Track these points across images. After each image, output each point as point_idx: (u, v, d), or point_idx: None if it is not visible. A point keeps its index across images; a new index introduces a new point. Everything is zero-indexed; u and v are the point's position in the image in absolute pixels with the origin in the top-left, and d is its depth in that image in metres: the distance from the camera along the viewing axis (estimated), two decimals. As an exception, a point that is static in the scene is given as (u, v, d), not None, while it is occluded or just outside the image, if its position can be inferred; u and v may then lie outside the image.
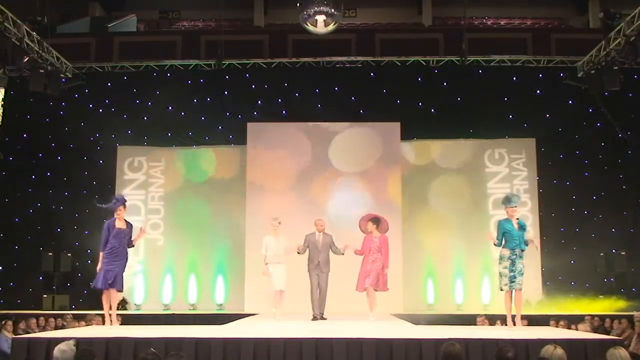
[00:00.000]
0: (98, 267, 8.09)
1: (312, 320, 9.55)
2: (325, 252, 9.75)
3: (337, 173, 13.96)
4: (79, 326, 10.66)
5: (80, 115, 14.12)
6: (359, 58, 13.93)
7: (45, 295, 13.27)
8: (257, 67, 14.02)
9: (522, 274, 7.84)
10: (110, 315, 8.18)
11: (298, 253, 9.81)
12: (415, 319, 10.46)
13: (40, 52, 12.12)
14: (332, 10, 9.94)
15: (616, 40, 11.66)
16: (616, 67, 12.01)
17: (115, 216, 8.16)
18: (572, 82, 13.41)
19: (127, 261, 8.27)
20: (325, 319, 9.63)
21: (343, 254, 9.75)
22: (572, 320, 11.21)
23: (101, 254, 8.11)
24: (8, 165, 14.14)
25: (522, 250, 7.83)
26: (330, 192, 13.87)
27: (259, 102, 14.43)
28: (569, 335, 7.54)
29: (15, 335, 9.08)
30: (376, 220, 9.67)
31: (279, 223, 9.72)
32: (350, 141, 14.05)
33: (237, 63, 13.90)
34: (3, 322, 9.88)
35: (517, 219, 7.94)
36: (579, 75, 13.31)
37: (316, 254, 9.72)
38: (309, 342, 6.46)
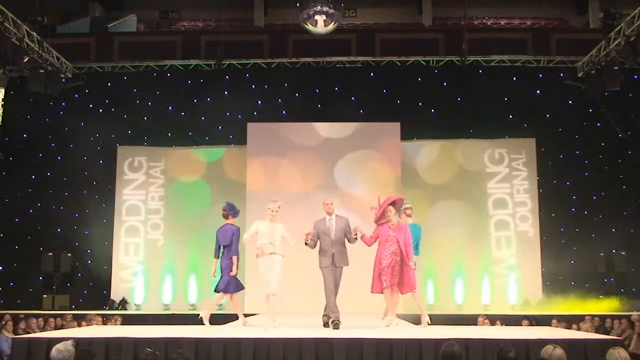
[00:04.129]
0: (234, 273, 8.64)
1: (324, 326, 7.84)
2: (340, 241, 7.91)
3: (337, 172, 13.94)
4: (79, 326, 10.66)
5: (80, 115, 14.13)
6: (359, 58, 13.93)
7: (45, 295, 13.29)
8: (257, 67, 14.03)
9: None
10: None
11: (306, 244, 7.94)
12: (416, 319, 10.41)
13: (40, 52, 12.11)
14: (332, 10, 9.93)
15: (616, 40, 11.66)
16: (616, 67, 12.02)
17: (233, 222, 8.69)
18: (572, 82, 13.42)
19: None
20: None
21: (356, 238, 7.99)
22: (572, 320, 11.20)
23: (235, 257, 8.60)
24: (8, 165, 14.14)
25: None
26: (331, 191, 13.83)
27: (259, 102, 14.43)
28: (569, 335, 7.54)
29: (15, 335, 9.10)
30: (394, 203, 7.86)
31: (279, 207, 7.96)
32: (350, 141, 14.04)
33: (237, 63, 13.91)
34: (3, 322, 9.89)
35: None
36: (579, 75, 13.30)
37: (329, 244, 7.88)
38: (309, 342, 6.47)
